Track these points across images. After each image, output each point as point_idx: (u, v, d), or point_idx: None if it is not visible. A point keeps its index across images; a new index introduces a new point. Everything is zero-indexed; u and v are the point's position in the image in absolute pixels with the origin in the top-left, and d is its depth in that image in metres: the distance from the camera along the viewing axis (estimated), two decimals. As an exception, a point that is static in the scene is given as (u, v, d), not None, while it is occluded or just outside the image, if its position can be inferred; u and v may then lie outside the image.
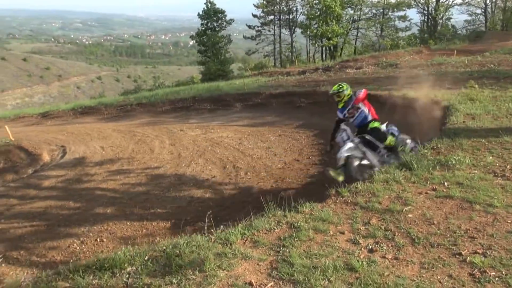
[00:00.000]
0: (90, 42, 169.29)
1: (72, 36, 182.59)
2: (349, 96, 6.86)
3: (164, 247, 4.02)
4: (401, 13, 37.99)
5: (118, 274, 3.67)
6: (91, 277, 3.69)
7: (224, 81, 22.81)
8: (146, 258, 3.85)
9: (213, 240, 4.07)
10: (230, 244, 3.94)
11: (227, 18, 37.78)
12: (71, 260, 4.86)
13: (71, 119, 18.61)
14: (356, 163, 6.59)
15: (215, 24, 37.35)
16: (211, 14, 36.91)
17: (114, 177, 8.91)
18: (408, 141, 6.99)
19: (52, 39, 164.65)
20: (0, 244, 6.46)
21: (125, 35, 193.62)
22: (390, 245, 3.67)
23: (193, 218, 6.67)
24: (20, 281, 3.87)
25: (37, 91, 78.69)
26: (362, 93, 6.64)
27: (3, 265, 5.87)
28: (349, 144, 6.65)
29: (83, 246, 6.09)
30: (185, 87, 23.08)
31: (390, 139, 6.70)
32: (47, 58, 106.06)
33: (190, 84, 30.38)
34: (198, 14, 37.19)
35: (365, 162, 6.68)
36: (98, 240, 6.25)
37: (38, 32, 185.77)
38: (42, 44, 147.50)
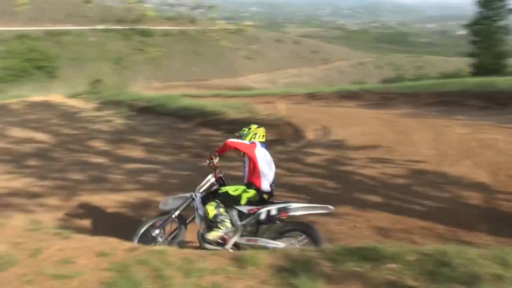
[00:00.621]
0: (356, 28, 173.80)
1: (338, 22, 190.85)
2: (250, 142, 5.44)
3: (431, 252, 3.76)
4: None
5: (379, 268, 3.61)
6: (352, 263, 3.72)
7: (499, 76, 20.24)
8: (411, 259, 3.67)
9: (488, 257, 3.60)
10: (508, 266, 3.41)
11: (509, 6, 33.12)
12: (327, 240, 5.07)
13: (333, 101, 19.51)
14: (146, 225, 5.57)
15: (491, 13, 33.24)
16: (489, 1, 32.98)
17: (373, 164, 8.91)
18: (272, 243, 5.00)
19: (321, 24, 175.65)
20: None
21: (391, 22, 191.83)
22: None
23: (455, 223, 6.12)
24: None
25: (304, 72, 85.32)
26: (222, 145, 5.45)
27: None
28: (182, 195, 5.65)
29: (339, 227, 6.28)
30: (451, 80, 21.47)
31: (209, 211, 5.16)
32: (316, 42, 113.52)
33: (457, 77, 28.08)
34: (475, 1, 33.71)
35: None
36: (354, 224, 6.35)
37: (311, 17, 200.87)
38: (313, 29, 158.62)
